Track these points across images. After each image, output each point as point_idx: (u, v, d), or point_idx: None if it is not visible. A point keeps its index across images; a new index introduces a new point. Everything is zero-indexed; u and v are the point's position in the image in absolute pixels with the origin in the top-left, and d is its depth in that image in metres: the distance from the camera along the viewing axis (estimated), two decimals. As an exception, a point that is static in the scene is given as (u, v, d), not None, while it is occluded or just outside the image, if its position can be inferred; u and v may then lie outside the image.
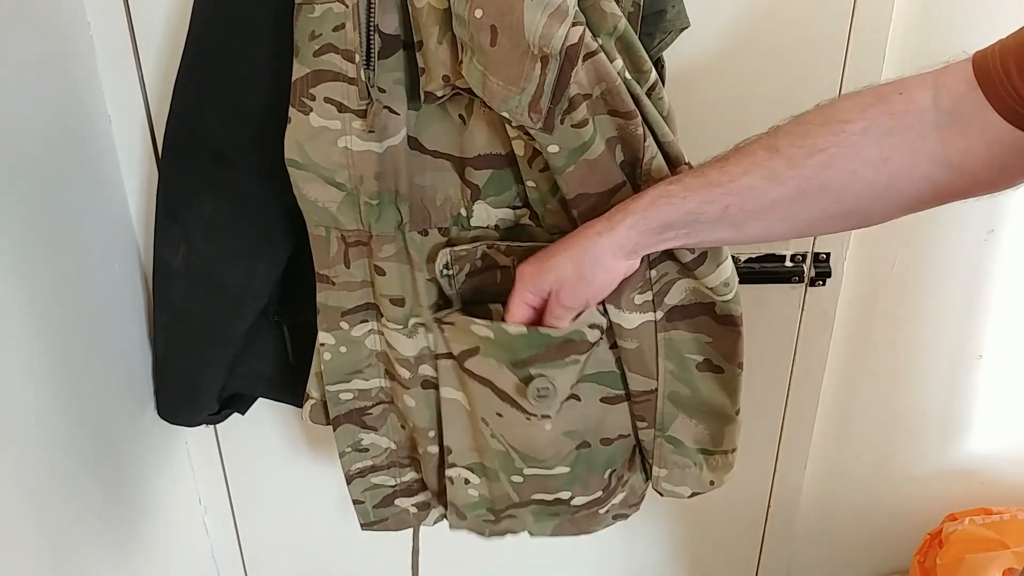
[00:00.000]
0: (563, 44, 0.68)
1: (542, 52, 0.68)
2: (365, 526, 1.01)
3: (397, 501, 1.00)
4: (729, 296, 0.81)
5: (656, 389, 0.86)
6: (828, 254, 1.08)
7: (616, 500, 0.95)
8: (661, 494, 0.93)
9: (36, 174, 0.80)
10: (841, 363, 1.19)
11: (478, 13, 0.67)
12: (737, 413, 0.89)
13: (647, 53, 0.77)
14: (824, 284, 1.10)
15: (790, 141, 0.64)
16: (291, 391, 1.00)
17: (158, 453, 1.09)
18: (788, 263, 1.09)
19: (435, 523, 1.03)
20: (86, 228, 0.91)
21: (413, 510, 1.01)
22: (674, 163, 0.76)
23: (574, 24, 0.68)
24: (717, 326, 0.83)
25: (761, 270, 1.08)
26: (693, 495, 0.92)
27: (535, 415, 0.84)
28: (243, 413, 1.07)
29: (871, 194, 0.63)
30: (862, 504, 1.32)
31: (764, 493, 1.29)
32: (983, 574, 1.16)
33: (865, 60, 0.96)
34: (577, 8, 0.69)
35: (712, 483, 0.92)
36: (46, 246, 0.82)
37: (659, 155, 0.75)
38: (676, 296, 0.82)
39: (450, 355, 0.86)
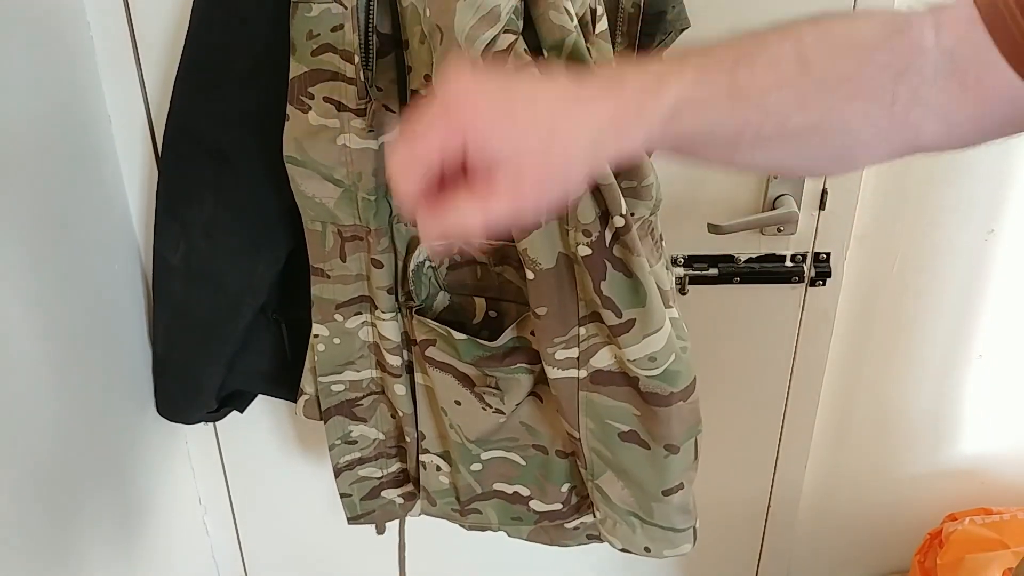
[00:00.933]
0: (486, 48, 0.65)
1: (468, 54, 0.66)
2: (352, 519, 1.02)
3: (384, 492, 1.01)
4: (655, 372, 0.74)
5: (579, 437, 0.82)
6: (828, 254, 1.08)
7: (587, 519, 0.93)
8: (598, 536, 0.91)
9: (36, 174, 0.80)
10: (841, 363, 1.19)
11: (427, 12, 0.68)
12: (667, 494, 0.82)
13: (648, 54, 0.77)
14: (824, 284, 1.10)
15: (820, 59, 0.55)
16: (289, 388, 1.01)
17: (158, 453, 1.09)
18: (788, 263, 1.09)
19: (420, 514, 1.04)
20: (86, 228, 0.91)
21: (399, 500, 1.02)
22: (611, 211, 0.68)
23: (507, 31, 0.65)
24: (642, 402, 0.77)
25: (761, 270, 1.08)
26: (624, 551, 0.89)
27: (490, 407, 0.84)
28: (242, 411, 1.07)
29: (868, 138, 0.58)
30: (862, 504, 1.32)
31: (764, 493, 1.29)
32: (983, 574, 1.16)
33: (865, 60, 0.96)
34: (514, 18, 0.66)
35: (648, 550, 0.87)
36: (46, 245, 0.82)
37: (585, 198, 0.67)
38: (603, 360, 0.77)
39: (415, 342, 0.87)
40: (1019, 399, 1.23)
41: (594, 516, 0.91)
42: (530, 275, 0.73)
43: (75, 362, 0.87)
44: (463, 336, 0.81)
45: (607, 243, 0.70)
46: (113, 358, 0.96)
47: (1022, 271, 1.13)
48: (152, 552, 1.06)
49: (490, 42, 0.64)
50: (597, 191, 0.68)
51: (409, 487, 1.01)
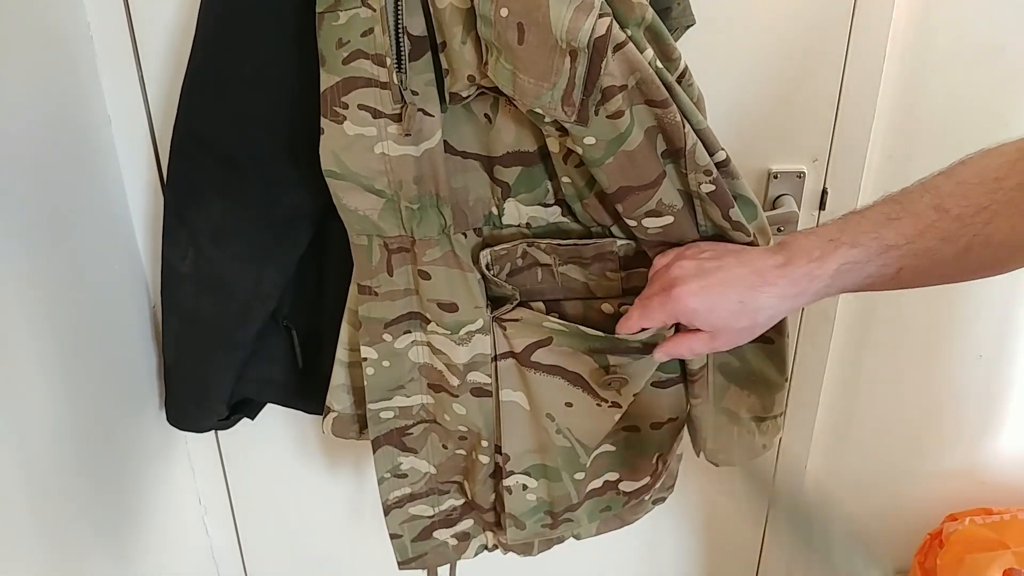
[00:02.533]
0: (590, 37, 0.67)
1: (570, 46, 0.68)
2: (403, 564, 0.99)
3: (436, 533, 0.98)
4: None
5: (707, 363, 0.87)
6: (828, 254, 1.08)
7: (657, 484, 0.96)
8: (716, 464, 0.94)
9: (36, 174, 0.80)
10: (841, 363, 1.19)
11: (504, 12, 0.67)
12: (786, 380, 0.89)
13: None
14: (824, 284, 1.10)
15: (956, 201, 0.67)
16: (300, 397, 1.00)
17: (158, 453, 1.09)
18: (788, 263, 1.08)
19: (476, 555, 1.01)
20: (86, 228, 0.91)
21: (452, 542, 0.99)
22: (711, 149, 0.75)
23: (601, 16, 0.68)
24: None
25: (761, 270, 1.08)
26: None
27: (606, 400, 0.85)
28: (252, 418, 1.06)
29: (1021, 240, 0.67)
30: (862, 504, 1.32)
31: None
32: (983, 574, 1.16)
33: (865, 60, 0.96)
34: (604, 1, 0.68)
35: (764, 447, 0.92)
36: (46, 246, 0.82)
37: (699, 143, 0.74)
38: None
39: (510, 354, 0.85)
40: (1019, 399, 1.23)
41: (698, 452, 0.94)
42: (668, 219, 0.78)
43: (75, 362, 0.87)
44: (599, 334, 0.81)
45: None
46: (113, 358, 0.96)
47: (1022, 271, 1.13)
48: (152, 552, 1.06)
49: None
50: (699, 134, 0.74)
51: (463, 526, 0.99)
